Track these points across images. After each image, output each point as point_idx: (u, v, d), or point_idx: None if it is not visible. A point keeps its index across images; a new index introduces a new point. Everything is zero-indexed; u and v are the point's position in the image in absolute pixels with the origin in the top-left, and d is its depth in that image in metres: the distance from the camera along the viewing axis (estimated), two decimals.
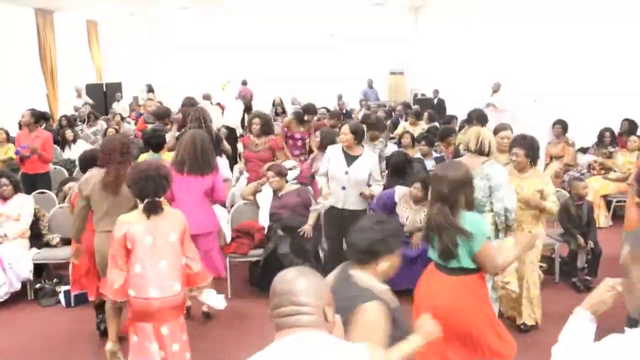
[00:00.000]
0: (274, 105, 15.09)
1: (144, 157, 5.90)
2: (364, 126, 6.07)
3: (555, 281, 5.97)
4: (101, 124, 11.68)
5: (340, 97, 15.83)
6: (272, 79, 17.75)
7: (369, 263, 2.63)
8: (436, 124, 10.64)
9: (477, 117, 6.65)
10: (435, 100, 15.35)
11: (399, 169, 6.50)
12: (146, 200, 3.72)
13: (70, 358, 4.77)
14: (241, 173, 7.05)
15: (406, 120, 11.39)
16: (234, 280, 5.96)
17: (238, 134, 11.37)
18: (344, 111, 14.67)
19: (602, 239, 6.05)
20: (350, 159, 5.33)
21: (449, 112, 14.29)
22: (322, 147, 6.42)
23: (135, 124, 12.66)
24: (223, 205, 6.03)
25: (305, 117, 7.85)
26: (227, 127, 10.69)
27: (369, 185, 5.34)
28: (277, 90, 16.31)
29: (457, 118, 10.78)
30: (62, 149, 9.77)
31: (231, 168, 7.71)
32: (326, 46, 18.70)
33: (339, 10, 17.35)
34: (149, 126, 7.90)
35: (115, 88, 16.53)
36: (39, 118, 7.65)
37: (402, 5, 18.19)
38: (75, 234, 4.67)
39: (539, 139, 5.21)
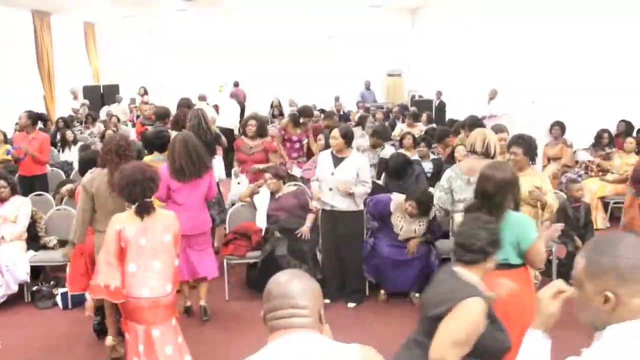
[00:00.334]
0: (272, 106, 15.10)
1: (149, 158, 5.95)
2: (353, 130, 6.12)
3: None
4: (99, 126, 11.67)
5: (337, 99, 15.83)
6: (270, 80, 17.77)
7: (478, 263, 2.71)
8: (434, 125, 10.64)
9: (470, 125, 6.68)
10: (437, 103, 15.22)
11: (398, 171, 6.50)
12: (137, 203, 3.76)
13: None
14: (237, 176, 7.01)
15: (403, 121, 11.38)
16: (232, 282, 5.96)
17: (236, 135, 11.35)
18: (342, 112, 14.70)
19: None
20: (337, 161, 5.46)
21: (447, 113, 14.32)
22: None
23: (133, 125, 12.64)
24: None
25: (301, 120, 7.84)
26: (224, 129, 10.66)
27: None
28: (275, 91, 16.33)
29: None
30: (62, 150, 9.75)
31: (230, 168, 7.69)
32: (324, 47, 18.71)
33: (336, 12, 17.34)
34: (149, 128, 7.91)
35: (113, 90, 16.50)
36: (36, 120, 7.62)
37: (399, 7, 18.21)
38: (80, 237, 4.62)
39: (536, 141, 5.24)
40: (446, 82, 15.10)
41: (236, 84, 17.18)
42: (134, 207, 3.80)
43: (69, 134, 9.74)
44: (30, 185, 7.25)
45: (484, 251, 2.71)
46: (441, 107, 14.94)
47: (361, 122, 10.63)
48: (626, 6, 8.63)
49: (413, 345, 2.76)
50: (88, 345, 4.97)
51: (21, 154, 7.27)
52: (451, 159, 6.60)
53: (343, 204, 5.43)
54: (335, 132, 5.46)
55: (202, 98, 13.08)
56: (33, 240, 6.11)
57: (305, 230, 5.65)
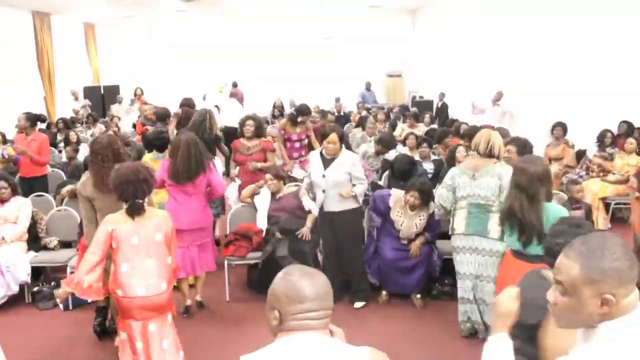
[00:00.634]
0: (274, 107, 15.12)
1: (149, 157, 6.07)
2: (354, 131, 6.16)
3: None
4: (100, 127, 11.67)
5: (338, 100, 15.83)
6: (271, 80, 17.78)
7: None
8: (435, 126, 10.64)
9: (470, 135, 6.67)
10: (440, 104, 15.06)
11: (405, 173, 6.52)
12: (128, 203, 3.81)
13: None
14: (233, 180, 7.03)
15: (404, 122, 11.38)
16: (232, 283, 5.95)
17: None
18: (342, 113, 14.70)
19: None
20: (327, 162, 5.41)
21: (449, 115, 14.28)
22: None
23: (133, 126, 12.63)
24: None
25: (300, 119, 7.83)
26: (228, 128, 10.73)
27: (354, 186, 5.39)
28: (275, 92, 16.34)
29: (450, 119, 10.79)
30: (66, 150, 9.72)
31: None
32: (324, 48, 18.73)
33: (336, 12, 17.33)
34: (149, 128, 7.93)
35: (113, 90, 16.50)
36: (35, 121, 7.62)
37: (399, 7, 18.19)
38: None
39: (537, 141, 5.27)
40: (447, 82, 15.08)
41: (234, 85, 17.21)
42: (125, 206, 3.84)
43: (73, 136, 9.72)
44: (30, 186, 7.25)
45: None
46: (444, 108, 14.81)
47: (361, 123, 10.67)
48: (629, 6, 8.61)
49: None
50: (89, 346, 4.96)
51: (16, 155, 7.32)
52: (451, 160, 6.60)
53: (337, 205, 5.40)
54: (334, 137, 5.34)
55: (205, 99, 13.16)
56: (34, 241, 6.10)
57: (305, 231, 5.63)
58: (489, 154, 4.54)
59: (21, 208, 6.03)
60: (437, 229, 5.63)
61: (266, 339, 1.89)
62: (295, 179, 7.29)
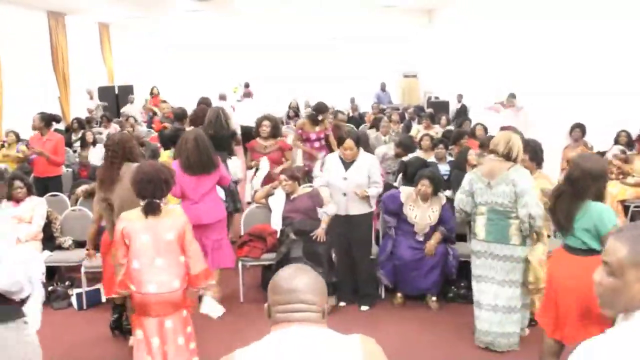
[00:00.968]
0: (289, 107, 15.13)
1: (166, 154, 6.12)
2: (368, 132, 6.17)
3: None
4: (114, 127, 11.69)
5: (353, 100, 15.79)
6: (285, 81, 17.79)
7: None
8: (451, 127, 10.54)
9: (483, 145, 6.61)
10: (459, 106, 14.77)
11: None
12: (145, 201, 3.81)
13: None
14: (252, 168, 7.05)
15: (419, 123, 11.29)
16: (247, 284, 5.94)
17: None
18: (357, 114, 14.66)
19: None
20: (347, 165, 5.47)
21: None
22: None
23: (148, 126, 12.69)
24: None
25: (319, 117, 7.80)
26: (244, 127, 10.80)
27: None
28: (290, 92, 16.35)
29: (470, 120, 10.68)
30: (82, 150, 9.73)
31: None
32: (339, 48, 18.69)
33: (351, 12, 17.27)
34: (168, 126, 8.05)
35: (127, 91, 16.55)
36: (50, 121, 7.65)
37: (415, 8, 18.09)
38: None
39: (555, 142, 5.22)
40: (463, 83, 14.97)
41: (247, 85, 17.24)
42: (142, 204, 3.84)
43: (89, 136, 9.72)
44: (44, 186, 7.26)
45: None
46: (463, 110, 14.48)
47: (375, 124, 10.60)
48: None
49: None
50: (103, 345, 4.96)
51: (32, 154, 7.39)
52: (460, 162, 6.60)
53: (358, 209, 5.46)
54: (350, 143, 5.41)
55: (222, 97, 13.32)
56: (48, 240, 6.11)
57: (320, 232, 5.58)
58: (507, 156, 4.47)
59: (36, 208, 6.04)
60: (451, 223, 5.60)
61: None
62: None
